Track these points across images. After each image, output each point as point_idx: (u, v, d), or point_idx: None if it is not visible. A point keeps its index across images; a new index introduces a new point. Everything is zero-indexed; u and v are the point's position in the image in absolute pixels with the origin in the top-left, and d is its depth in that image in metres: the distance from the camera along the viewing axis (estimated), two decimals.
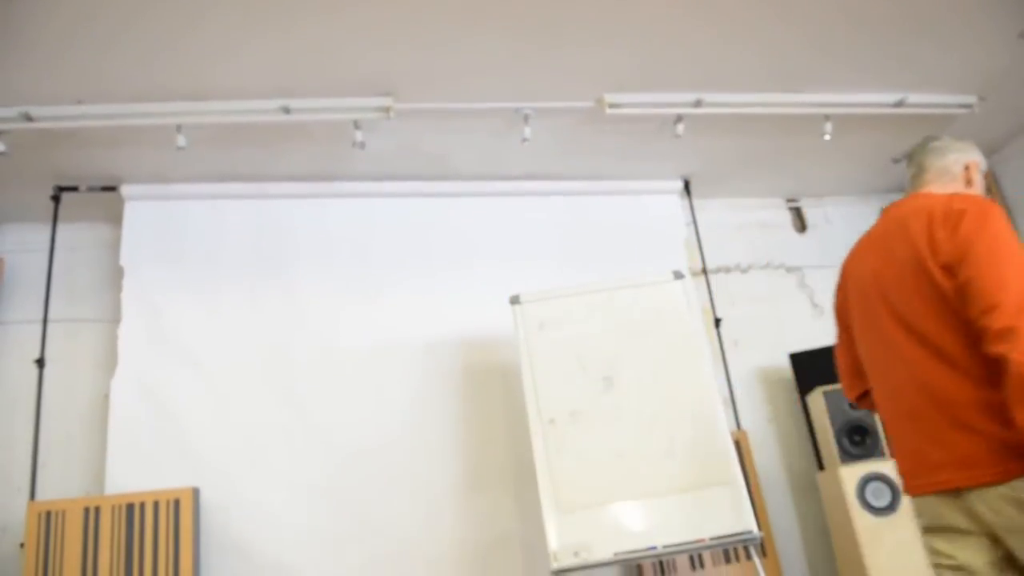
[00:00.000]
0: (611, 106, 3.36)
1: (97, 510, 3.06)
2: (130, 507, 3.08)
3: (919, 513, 1.72)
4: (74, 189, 3.63)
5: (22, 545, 3.03)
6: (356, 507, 3.40)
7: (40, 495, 3.32)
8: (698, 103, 3.42)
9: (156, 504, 3.10)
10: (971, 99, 3.67)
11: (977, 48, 3.29)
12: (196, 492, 3.20)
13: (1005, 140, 4.17)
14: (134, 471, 3.25)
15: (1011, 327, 1.44)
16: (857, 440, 3.42)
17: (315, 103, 3.19)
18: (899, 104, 3.59)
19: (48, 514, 3.04)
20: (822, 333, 4.10)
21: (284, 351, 3.58)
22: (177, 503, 3.11)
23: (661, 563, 3.46)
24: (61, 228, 3.71)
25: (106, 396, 3.41)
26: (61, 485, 3.37)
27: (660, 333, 3.21)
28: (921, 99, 3.61)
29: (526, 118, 3.38)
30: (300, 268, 3.74)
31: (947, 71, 3.45)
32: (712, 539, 2.84)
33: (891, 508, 3.26)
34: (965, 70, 3.46)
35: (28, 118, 3.03)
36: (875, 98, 3.58)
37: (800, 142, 3.81)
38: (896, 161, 4.26)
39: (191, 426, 3.39)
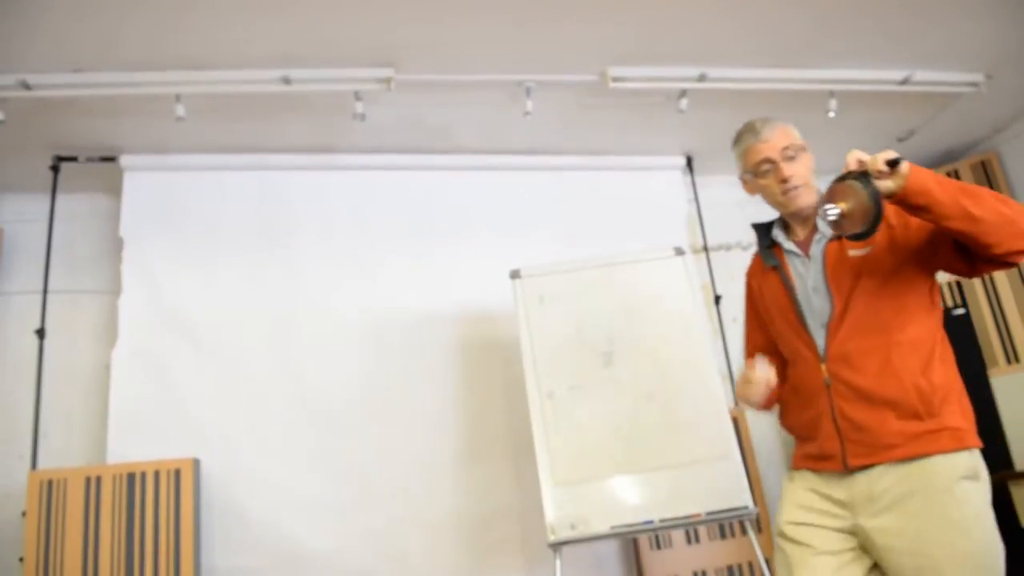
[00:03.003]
0: (615, 80, 3.33)
1: (98, 479, 3.09)
2: (131, 477, 3.10)
3: None
4: (73, 159, 3.61)
5: (24, 514, 3.05)
6: (356, 478, 3.43)
7: (42, 464, 3.34)
8: (702, 78, 3.39)
9: (157, 474, 3.12)
10: (978, 77, 3.63)
11: (984, 25, 3.25)
12: (196, 462, 3.22)
13: (1011, 119, 4.13)
14: (135, 441, 3.27)
15: None
16: None
17: (316, 73, 3.16)
18: (905, 81, 3.55)
19: (49, 483, 3.06)
20: None
21: (284, 322, 3.59)
22: (178, 473, 3.13)
23: (657, 537, 3.49)
24: (60, 198, 3.69)
25: (107, 366, 3.42)
26: (62, 454, 3.40)
27: (660, 309, 3.22)
28: (927, 76, 3.58)
29: (528, 91, 3.35)
30: (300, 239, 3.73)
31: (954, 48, 3.41)
32: (708, 514, 2.87)
33: None
34: (972, 48, 3.43)
35: (26, 86, 3.00)
36: (881, 75, 3.55)
37: (804, 119, 3.70)
38: (901, 140, 4.23)
39: (191, 396, 3.40)
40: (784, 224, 1.92)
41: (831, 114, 3.54)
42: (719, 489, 2.90)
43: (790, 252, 1.85)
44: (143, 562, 3.00)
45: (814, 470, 1.79)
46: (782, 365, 1.94)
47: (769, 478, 3.90)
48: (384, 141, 3.75)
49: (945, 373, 1.69)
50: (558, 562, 2.81)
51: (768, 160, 1.85)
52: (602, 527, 2.83)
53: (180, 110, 3.13)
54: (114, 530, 3.03)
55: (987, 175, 4.30)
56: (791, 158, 1.83)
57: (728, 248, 4.24)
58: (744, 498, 2.89)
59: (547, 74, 3.32)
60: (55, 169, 3.61)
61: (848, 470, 1.70)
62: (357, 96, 3.24)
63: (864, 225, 1.53)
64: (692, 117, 3.57)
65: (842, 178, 1.55)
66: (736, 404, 3.40)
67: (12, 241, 3.68)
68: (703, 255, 4.16)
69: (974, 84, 3.64)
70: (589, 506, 2.86)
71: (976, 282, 4.21)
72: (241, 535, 3.29)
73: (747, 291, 2.15)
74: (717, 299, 4.06)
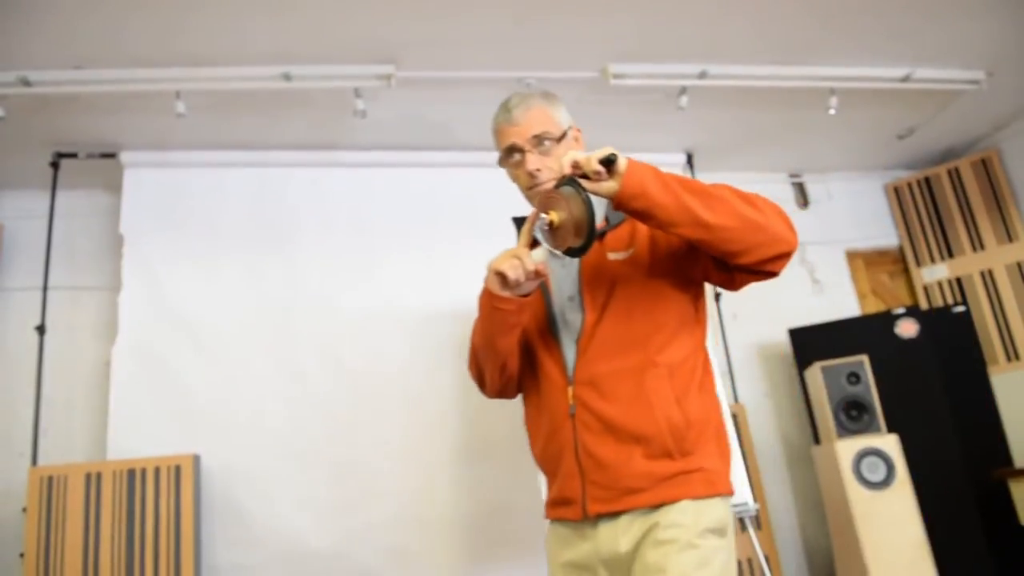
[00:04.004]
0: (615, 77, 3.33)
1: (99, 476, 3.09)
2: (131, 473, 3.10)
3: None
4: (73, 156, 3.61)
5: (24, 510, 3.06)
6: (356, 475, 3.43)
7: (42, 460, 3.34)
8: (703, 75, 3.39)
9: (157, 470, 3.12)
10: (979, 75, 3.62)
11: (986, 23, 3.25)
12: (197, 459, 3.22)
13: (1012, 117, 4.13)
14: (135, 437, 3.27)
15: None
16: (854, 415, 3.44)
17: (316, 70, 3.15)
18: (906, 79, 3.55)
19: (50, 479, 3.06)
20: (821, 309, 4.11)
21: (284, 319, 3.59)
22: (178, 469, 3.14)
23: None
24: (60, 195, 3.69)
25: (107, 363, 3.42)
26: (63, 451, 3.40)
27: None
28: (928, 74, 3.57)
29: (529, 88, 3.35)
30: (300, 236, 3.73)
31: (955, 46, 3.41)
32: None
33: (886, 482, 3.29)
34: (973, 45, 3.42)
35: (26, 83, 3.00)
36: (882, 72, 3.54)
37: (805, 116, 3.77)
38: (901, 137, 4.23)
39: (192, 393, 3.40)
40: None
41: (832, 111, 3.54)
42: None
43: (553, 254, 1.47)
44: (143, 558, 3.01)
45: (562, 520, 1.53)
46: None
47: (769, 475, 3.91)
48: (385, 138, 3.75)
49: (704, 404, 1.47)
50: None
51: (515, 148, 1.57)
52: None
53: (180, 107, 3.13)
54: (114, 526, 3.03)
55: (988, 173, 4.30)
56: (543, 149, 1.54)
57: None
58: (744, 495, 2.89)
59: (547, 71, 3.32)
60: (55, 165, 3.61)
61: (588, 519, 1.44)
62: (357, 93, 3.24)
63: (580, 238, 1.34)
64: (693, 114, 3.56)
65: (558, 184, 1.37)
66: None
67: (12, 237, 3.68)
68: None
69: (975, 82, 3.64)
70: None
71: (976, 279, 4.22)
72: (241, 531, 3.30)
73: None
74: (717, 296, 4.06)
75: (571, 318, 1.52)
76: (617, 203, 1.35)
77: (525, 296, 1.49)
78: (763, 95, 3.54)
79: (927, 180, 4.47)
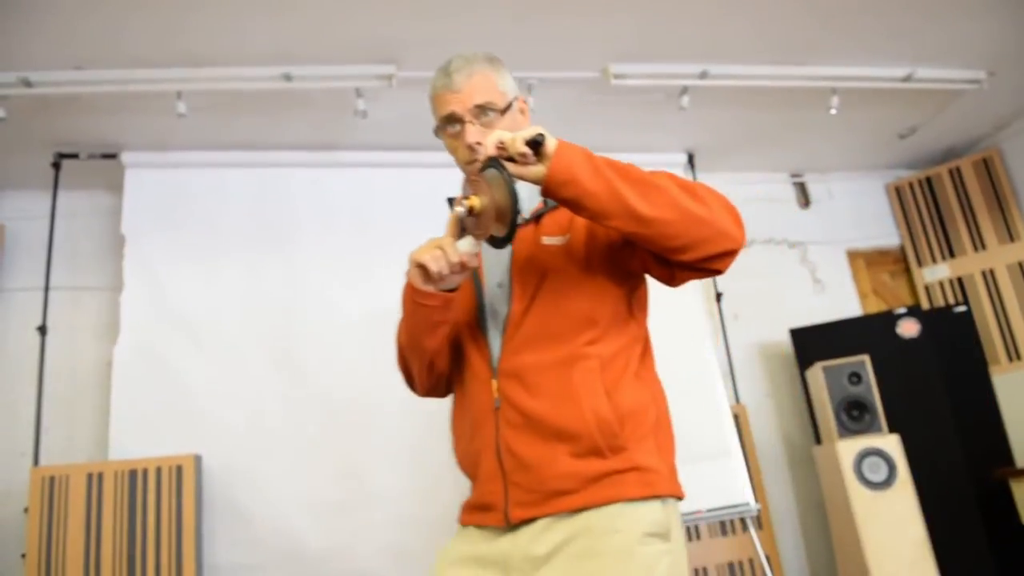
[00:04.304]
0: (616, 77, 3.33)
1: (100, 476, 3.09)
2: (132, 473, 3.11)
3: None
4: (74, 156, 3.61)
5: (26, 510, 3.06)
6: (357, 475, 3.43)
7: (44, 461, 3.34)
8: (704, 75, 3.39)
9: (159, 470, 3.13)
10: (980, 74, 3.62)
11: (987, 23, 3.24)
12: (198, 459, 3.23)
13: (1013, 116, 4.13)
14: (137, 438, 3.27)
15: None
16: (855, 415, 3.43)
17: (317, 70, 3.15)
18: (907, 79, 3.55)
19: (51, 479, 3.07)
20: (823, 309, 4.11)
21: (285, 319, 3.59)
22: (179, 469, 3.14)
23: None
24: (62, 195, 3.69)
25: (108, 363, 3.43)
26: (64, 451, 3.40)
27: (660, 307, 3.21)
28: (929, 73, 3.57)
29: (529, 88, 3.35)
30: (301, 236, 3.73)
31: (956, 45, 3.41)
32: (709, 511, 2.87)
33: (887, 483, 3.28)
34: (974, 45, 3.42)
35: (27, 84, 3.00)
36: (883, 72, 3.54)
37: (806, 116, 3.77)
38: (903, 137, 4.23)
39: (193, 393, 3.41)
40: None
41: (833, 111, 3.54)
42: (720, 486, 2.90)
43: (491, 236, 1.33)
44: (145, 558, 3.01)
45: (479, 526, 1.37)
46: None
47: (771, 475, 3.91)
48: (385, 138, 3.75)
49: (640, 395, 1.33)
50: None
51: (455, 117, 1.39)
52: None
53: (181, 107, 3.13)
54: (116, 526, 3.03)
55: (989, 172, 4.29)
56: (486, 121, 1.37)
57: None
58: (745, 495, 2.89)
59: (548, 71, 3.32)
60: (56, 166, 3.61)
61: (511, 525, 1.30)
62: (358, 93, 3.24)
63: (502, 227, 1.23)
64: (694, 114, 3.56)
65: (483, 167, 1.25)
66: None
67: (14, 238, 3.68)
68: None
69: (976, 81, 3.64)
70: None
71: (977, 278, 4.21)
72: (242, 532, 3.30)
73: None
74: (718, 296, 4.06)
75: (499, 307, 1.39)
76: (544, 190, 1.22)
77: (451, 291, 1.34)
78: (764, 95, 3.54)
79: (928, 180, 4.47)
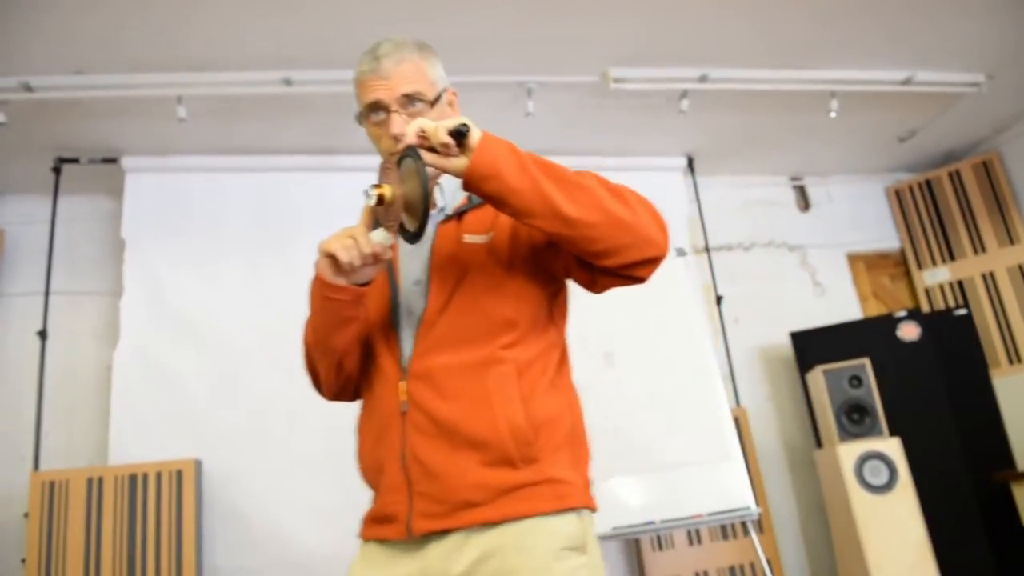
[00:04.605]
0: (616, 81, 3.33)
1: (100, 480, 3.09)
2: (132, 478, 3.10)
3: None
4: (75, 161, 3.61)
5: (26, 515, 3.06)
6: (356, 478, 3.41)
7: (44, 466, 3.34)
8: (703, 78, 3.39)
9: (159, 475, 3.12)
10: (979, 77, 3.63)
11: (986, 25, 3.25)
12: (198, 463, 3.22)
13: (1013, 119, 4.13)
14: (137, 442, 3.27)
15: None
16: (856, 418, 3.43)
17: (317, 75, 3.16)
18: (906, 82, 3.55)
19: (52, 484, 3.07)
20: (823, 312, 4.11)
21: (285, 323, 3.55)
22: (179, 474, 3.14)
23: (659, 538, 3.49)
24: (62, 200, 3.69)
25: (108, 368, 3.43)
26: (64, 456, 3.40)
27: (661, 310, 3.21)
28: (929, 77, 3.58)
29: (529, 92, 3.35)
30: (301, 241, 3.67)
31: (955, 48, 3.41)
32: (710, 515, 2.87)
33: (888, 486, 3.28)
34: (973, 48, 3.42)
35: (28, 88, 3.00)
36: (882, 75, 3.54)
37: (805, 119, 3.77)
38: (903, 140, 4.23)
39: (193, 398, 3.40)
40: None
41: (833, 114, 3.54)
42: (721, 489, 2.90)
43: (402, 230, 1.24)
44: (145, 563, 3.00)
45: (380, 540, 1.29)
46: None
47: (771, 478, 3.91)
48: None
49: (554, 404, 1.28)
50: None
51: (380, 105, 1.32)
52: (603, 528, 2.83)
53: (181, 112, 3.13)
54: (116, 531, 3.03)
55: (989, 175, 4.30)
56: (413, 111, 1.30)
57: (730, 249, 4.23)
58: (746, 498, 2.89)
59: (548, 75, 3.32)
60: (57, 171, 3.61)
61: (414, 538, 1.22)
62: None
63: (412, 220, 1.17)
64: (693, 118, 3.57)
65: (402, 156, 1.18)
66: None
67: (14, 243, 3.68)
68: (704, 256, 4.16)
69: (976, 84, 3.64)
70: None
71: (977, 281, 4.21)
72: (243, 536, 3.29)
73: None
74: (718, 299, 4.06)
75: (414, 305, 1.32)
76: (466, 184, 1.16)
77: (363, 285, 1.28)
78: (764, 98, 3.54)
79: (928, 183, 4.47)
